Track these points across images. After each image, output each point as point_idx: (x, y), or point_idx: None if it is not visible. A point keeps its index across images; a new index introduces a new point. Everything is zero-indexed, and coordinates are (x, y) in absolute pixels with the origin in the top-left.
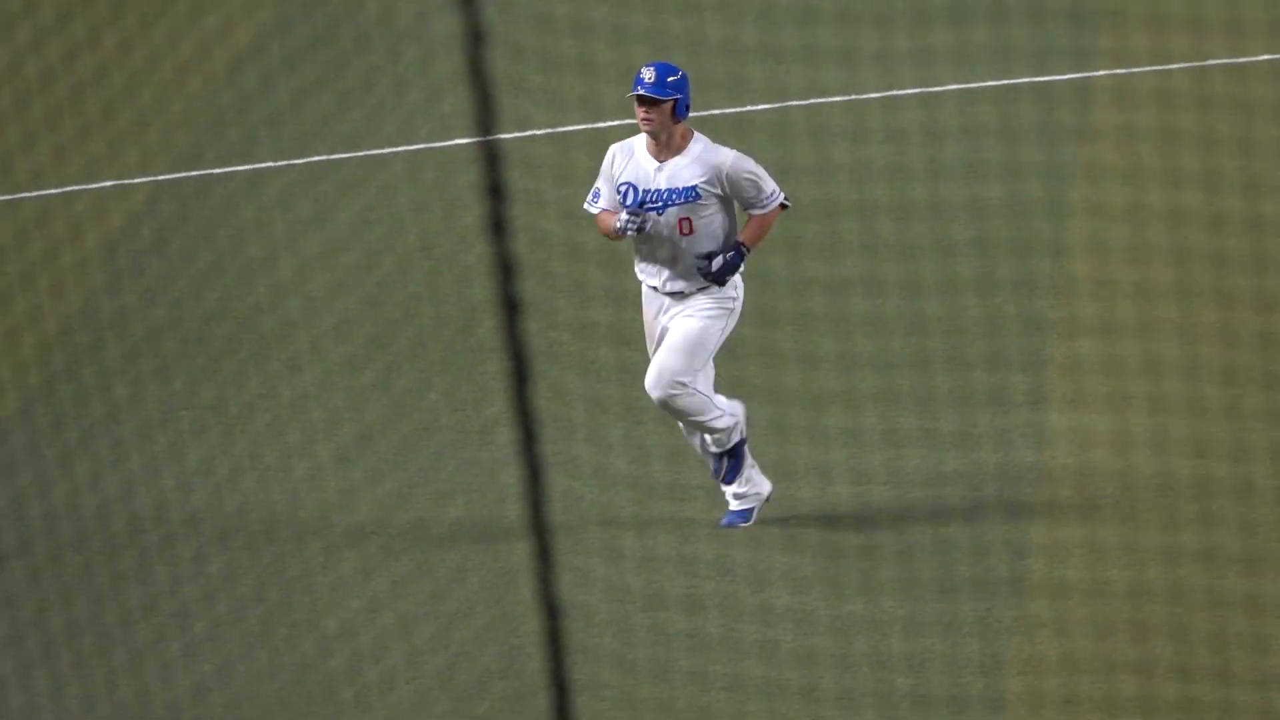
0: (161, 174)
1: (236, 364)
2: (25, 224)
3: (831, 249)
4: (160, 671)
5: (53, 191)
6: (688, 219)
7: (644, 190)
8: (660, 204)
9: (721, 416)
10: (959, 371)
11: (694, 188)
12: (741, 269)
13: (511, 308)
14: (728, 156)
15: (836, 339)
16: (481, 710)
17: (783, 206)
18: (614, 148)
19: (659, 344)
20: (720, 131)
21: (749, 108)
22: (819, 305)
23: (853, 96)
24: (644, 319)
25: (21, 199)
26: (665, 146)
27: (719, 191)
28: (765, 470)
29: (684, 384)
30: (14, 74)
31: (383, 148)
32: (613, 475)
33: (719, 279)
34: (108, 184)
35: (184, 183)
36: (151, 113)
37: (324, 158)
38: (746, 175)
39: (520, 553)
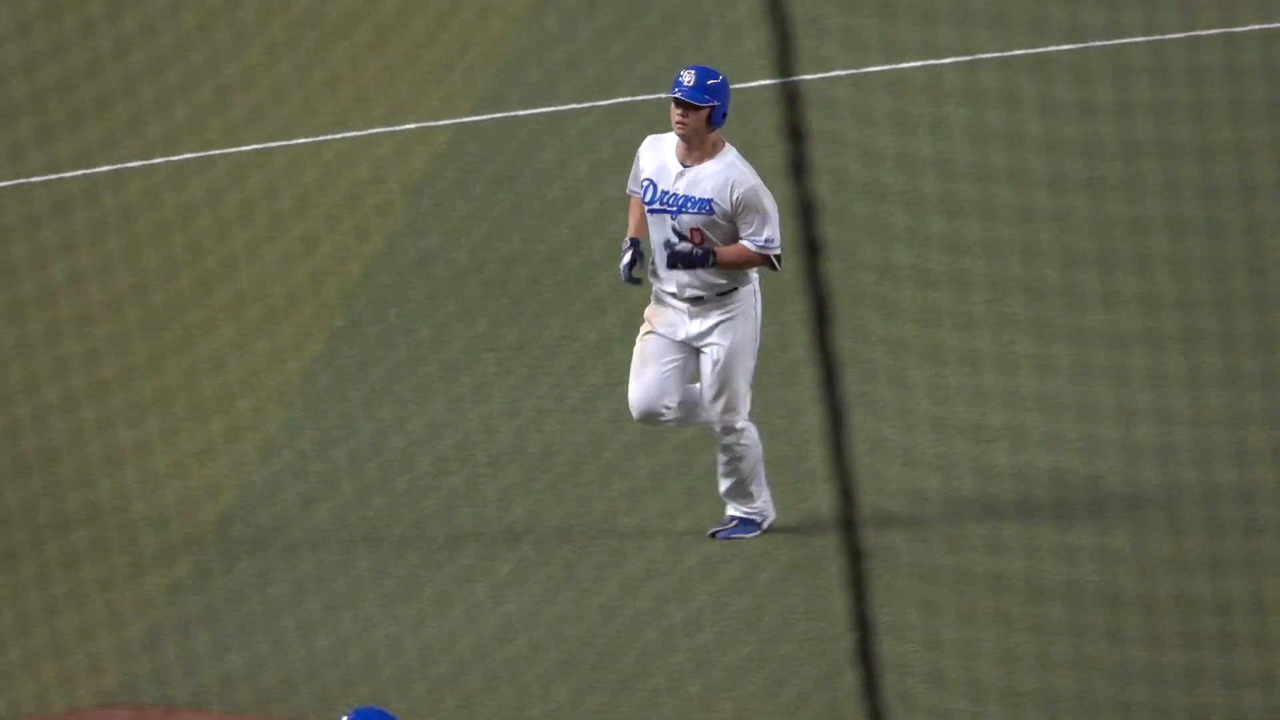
0: (464, 116)
1: (539, 305)
2: (330, 166)
3: (1131, 187)
4: (468, 612)
5: (357, 134)
6: (699, 230)
7: (662, 190)
8: (674, 208)
9: (761, 490)
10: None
11: (710, 201)
12: (744, 283)
13: (813, 249)
14: (749, 180)
15: (1140, 279)
16: (786, 650)
17: (771, 260)
18: (649, 139)
19: (651, 354)
20: (1020, 73)
21: (1050, 48)
22: (1121, 246)
23: (1155, 37)
24: (646, 324)
25: (327, 140)
26: (694, 151)
27: (727, 209)
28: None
29: (737, 412)
30: (318, 18)
31: None
32: (915, 417)
33: (673, 259)
34: (411, 126)
35: (486, 125)
36: (454, 55)
37: (625, 99)
38: (757, 207)
39: (823, 495)
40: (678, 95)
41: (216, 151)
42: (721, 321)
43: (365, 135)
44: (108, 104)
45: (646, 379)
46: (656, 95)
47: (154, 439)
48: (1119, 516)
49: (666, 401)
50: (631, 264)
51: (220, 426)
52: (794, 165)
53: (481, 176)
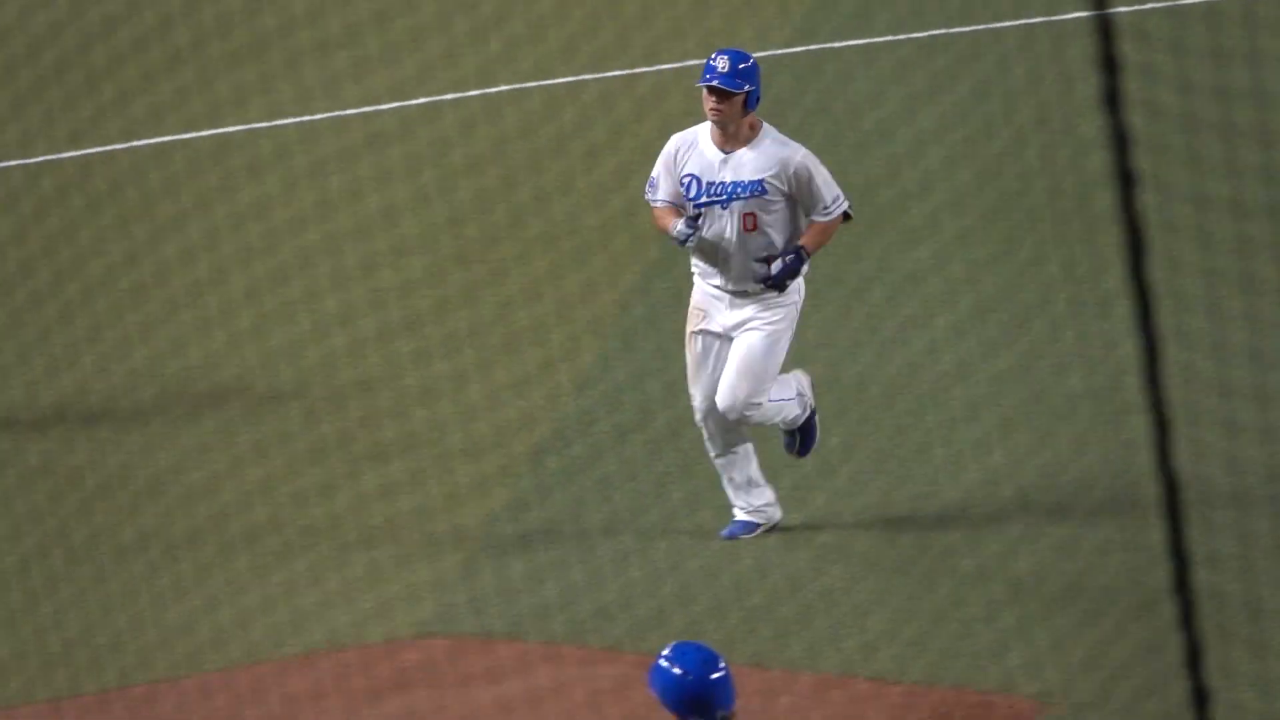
0: (777, 48)
1: (853, 238)
2: (643, 99)
3: None
4: (782, 543)
5: (670, 66)
6: (753, 214)
7: (708, 182)
8: (725, 196)
9: (789, 404)
10: None
11: (760, 181)
12: (804, 271)
13: (1128, 180)
14: (798, 151)
15: None
16: (1102, 581)
17: (846, 216)
18: (676, 137)
19: (705, 355)
20: None
21: None
22: None
23: None
24: (691, 321)
25: (640, 73)
26: (732, 137)
27: (785, 189)
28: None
29: (758, 404)
30: None
31: (997, 21)
32: (1230, 348)
33: (778, 284)
34: None
35: (800, 56)
36: None
37: (940, 31)
38: (816, 175)
39: (1138, 425)
40: (713, 83)
41: (531, 84)
42: (762, 310)
43: (678, 68)
44: (421, 37)
45: (705, 384)
46: (970, 28)
47: (469, 371)
48: None
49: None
50: (692, 219)
51: (535, 359)
52: (1108, 97)
53: (795, 108)
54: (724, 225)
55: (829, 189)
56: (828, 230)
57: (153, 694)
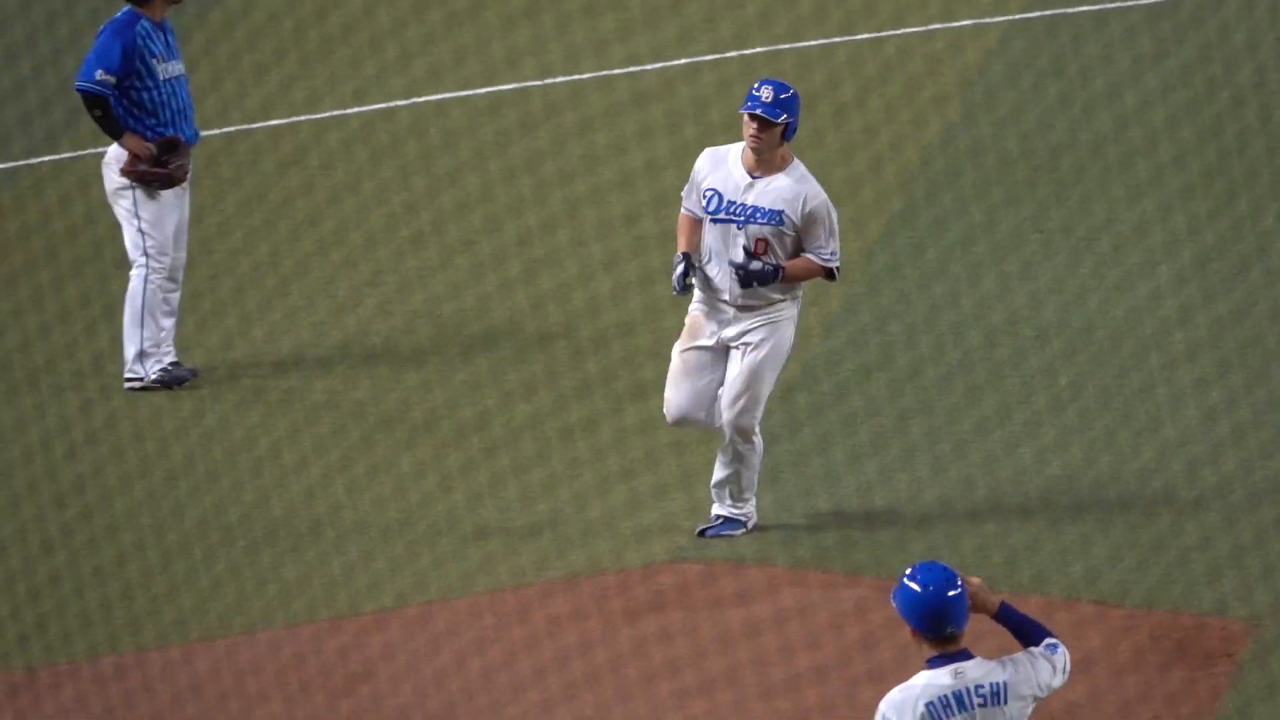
0: (1015, 14)
1: (1083, 191)
2: (888, 61)
3: None
4: (1014, 475)
5: (913, 30)
6: (765, 240)
7: (729, 201)
8: (743, 218)
9: (750, 506)
10: None
11: (781, 213)
12: (794, 295)
13: None
14: (819, 193)
15: None
16: None
17: (831, 273)
18: (707, 152)
19: (689, 367)
20: None
21: None
22: None
23: None
24: (684, 338)
25: (886, 36)
26: (764, 164)
27: (798, 222)
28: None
29: (757, 416)
30: None
31: None
32: None
33: (746, 279)
34: (965, 23)
35: (1035, 21)
36: None
37: None
38: (825, 220)
39: None
40: (756, 112)
41: (784, 46)
42: (761, 324)
43: (921, 31)
44: (681, 3)
45: (685, 391)
46: None
47: None
48: None
49: (701, 413)
50: (685, 274)
51: None
52: None
53: (1029, 70)
54: (736, 244)
55: (832, 239)
56: (810, 270)
57: (427, 614)
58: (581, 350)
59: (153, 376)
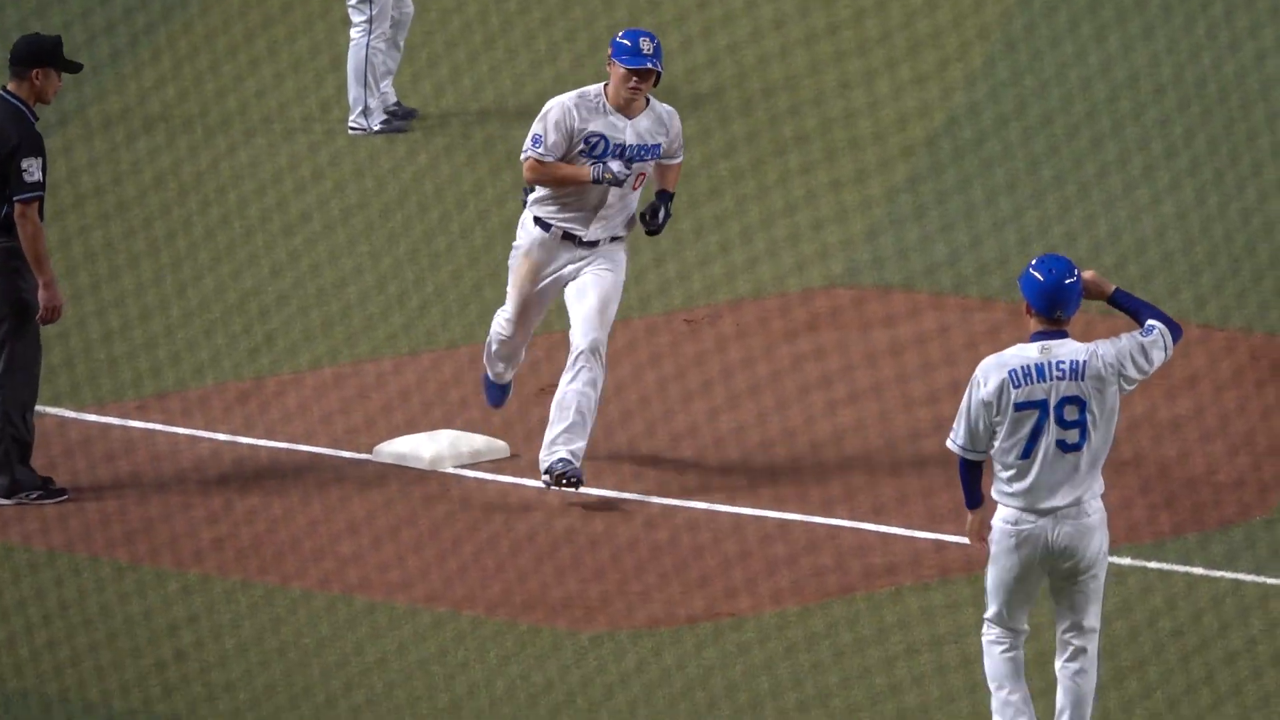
0: None
1: None
2: None
3: None
4: (1130, 213)
5: None
6: (643, 175)
7: (616, 144)
8: (631, 159)
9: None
10: None
11: (658, 145)
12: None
13: None
14: (674, 112)
15: None
16: None
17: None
18: (566, 102)
19: (541, 300)
20: None
21: None
22: None
23: None
24: (531, 264)
25: None
26: (633, 105)
27: (667, 145)
28: None
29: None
30: None
31: None
32: None
33: (661, 228)
34: None
35: None
36: None
37: None
38: (679, 128)
39: None
40: (648, 67)
41: None
42: (606, 257)
43: None
44: None
45: (528, 327)
46: None
47: (878, 68)
48: None
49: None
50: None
51: (932, 59)
52: None
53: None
54: (615, 186)
55: (680, 136)
56: (678, 170)
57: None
58: (752, 101)
59: (375, 129)
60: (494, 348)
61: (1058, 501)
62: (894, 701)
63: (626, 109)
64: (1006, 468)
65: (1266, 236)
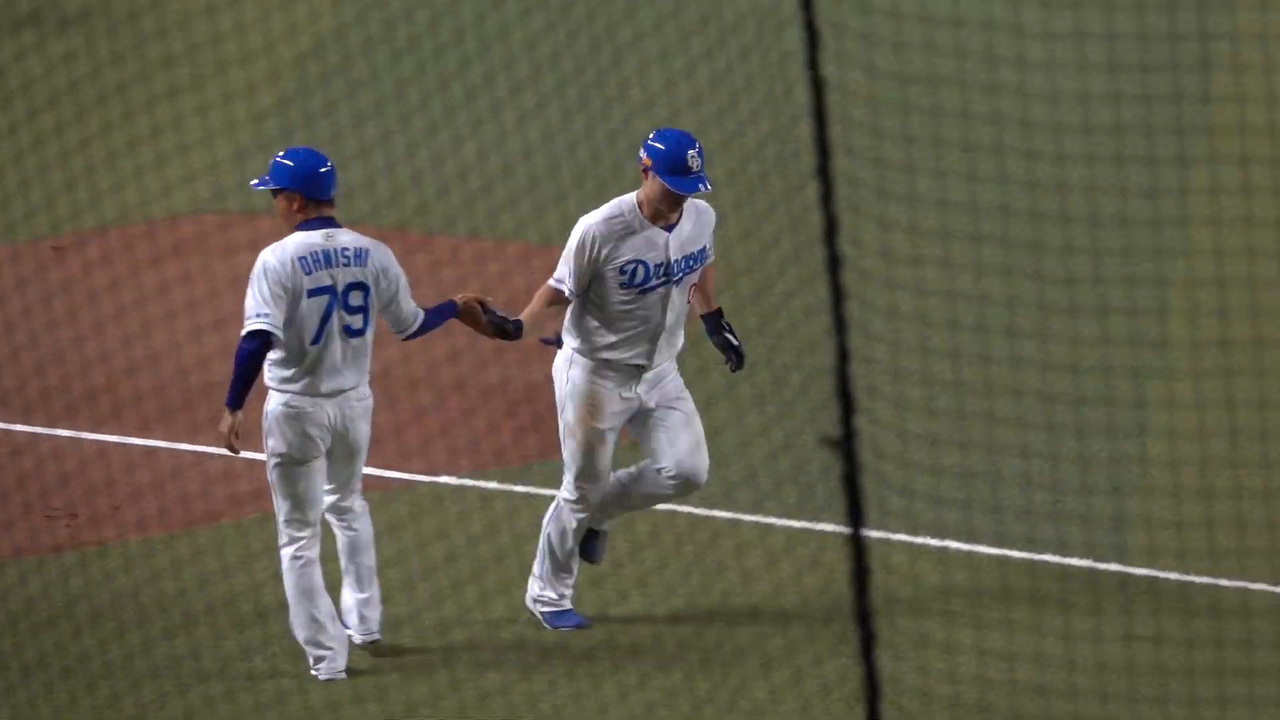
0: None
1: None
2: None
3: None
4: (497, 137)
5: None
6: (695, 284)
7: (657, 264)
8: (680, 274)
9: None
10: None
11: (704, 249)
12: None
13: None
14: (709, 208)
15: None
16: (757, 170)
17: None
18: (593, 229)
19: (606, 448)
20: None
21: None
22: None
23: None
24: (588, 414)
25: None
26: (673, 215)
27: (708, 245)
28: None
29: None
30: None
31: None
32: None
33: (743, 356)
34: None
35: None
36: None
37: None
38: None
39: None
40: (709, 190)
41: None
42: (670, 374)
43: None
44: None
45: (604, 473)
46: None
47: None
48: None
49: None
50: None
51: None
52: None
53: None
54: (671, 302)
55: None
56: (713, 277)
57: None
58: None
59: None
60: (568, 542)
61: (342, 384)
62: (260, 629)
63: (663, 217)
64: (291, 353)
65: (630, 157)
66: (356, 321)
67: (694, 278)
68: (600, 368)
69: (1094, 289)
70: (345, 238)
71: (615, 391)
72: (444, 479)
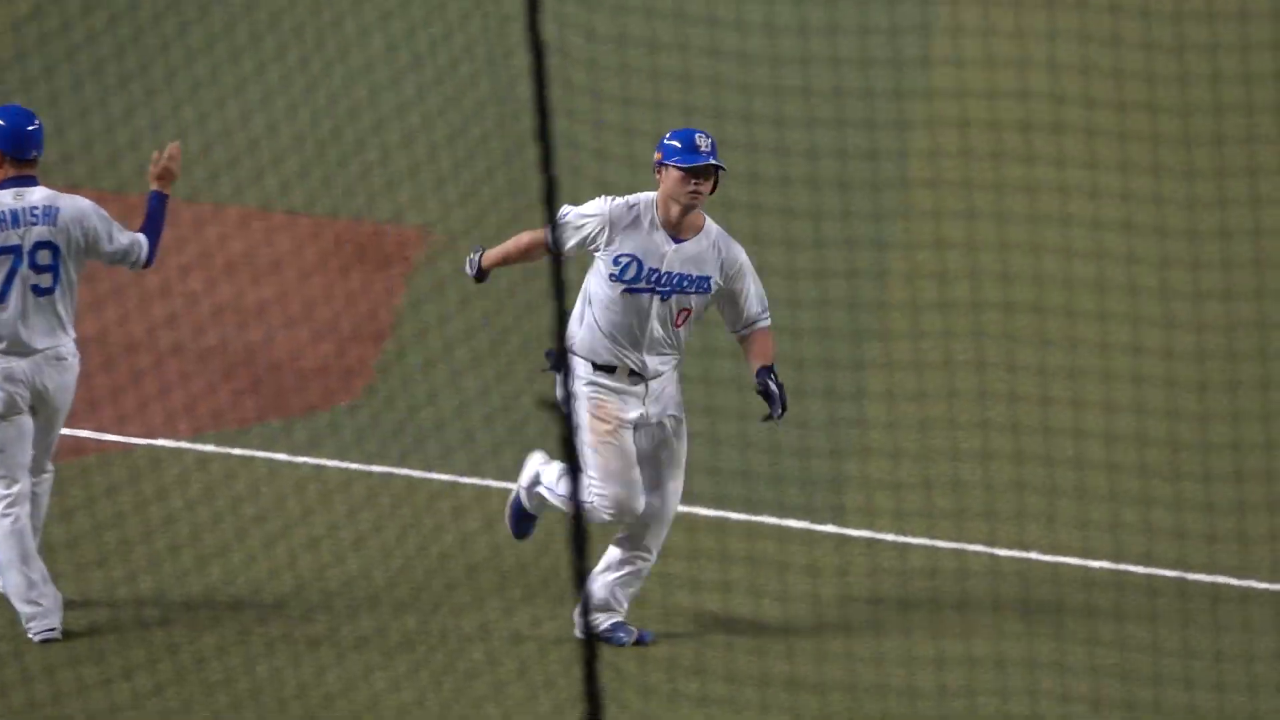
0: None
1: None
2: None
3: None
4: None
5: None
6: (688, 311)
7: (650, 269)
8: (669, 288)
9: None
10: None
11: (709, 279)
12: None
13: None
14: (742, 251)
15: None
16: (478, 130)
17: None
18: (617, 206)
19: (627, 447)
20: None
21: None
22: None
23: None
24: (601, 408)
25: None
26: (689, 225)
27: (721, 284)
28: None
29: None
30: None
31: None
32: None
33: (784, 408)
34: None
35: None
36: None
37: None
38: (751, 272)
39: None
40: (710, 163)
41: None
42: (673, 392)
43: None
44: None
45: (633, 479)
46: None
47: None
48: None
49: (641, 500)
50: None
51: None
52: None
53: None
54: (654, 313)
55: (763, 297)
56: (771, 340)
57: None
58: None
59: None
60: (546, 504)
61: (34, 342)
62: None
63: (677, 227)
64: None
65: (351, 122)
66: (45, 280)
67: (687, 304)
68: (598, 370)
69: (814, 252)
70: (36, 195)
71: (615, 393)
72: (161, 442)
